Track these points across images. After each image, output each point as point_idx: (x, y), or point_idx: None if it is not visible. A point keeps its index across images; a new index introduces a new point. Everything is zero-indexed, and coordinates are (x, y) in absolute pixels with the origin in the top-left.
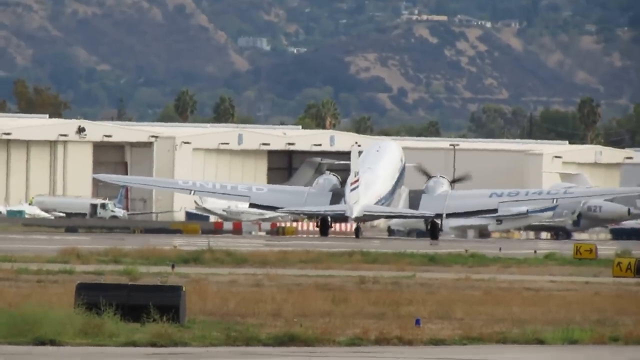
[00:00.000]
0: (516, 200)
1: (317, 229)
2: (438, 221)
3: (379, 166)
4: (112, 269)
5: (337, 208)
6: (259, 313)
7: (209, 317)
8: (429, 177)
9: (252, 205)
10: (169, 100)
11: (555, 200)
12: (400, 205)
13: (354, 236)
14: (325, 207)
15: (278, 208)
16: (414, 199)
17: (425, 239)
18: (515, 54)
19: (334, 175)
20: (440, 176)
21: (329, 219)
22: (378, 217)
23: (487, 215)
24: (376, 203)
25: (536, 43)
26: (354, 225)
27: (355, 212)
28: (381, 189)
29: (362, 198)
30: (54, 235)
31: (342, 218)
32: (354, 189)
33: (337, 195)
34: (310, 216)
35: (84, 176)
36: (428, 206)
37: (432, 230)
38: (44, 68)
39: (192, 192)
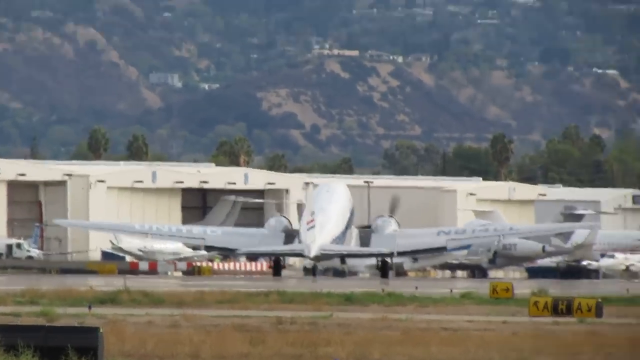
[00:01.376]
0: (463, 238)
1: (270, 269)
2: (388, 260)
3: (331, 207)
4: (29, 310)
5: (295, 247)
6: (176, 355)
7: (127, 359)
8: (390, 215)
9: (207, 248)
10: (82, 138)
11: (501, 237)
12: (352, 244)
13: (310, 275)
14: (282, 247)
15: (233, 250)
16: (364, 238)
17: (335, 278)
18: (426, 89)
19: (284, 217)
20: (389, 215)
21: (282, 260)
22: (334, 256)
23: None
24: (331, 242)
25: (447, 78)
26: (310, 264)
27: (314, 252)
28: (335, 229)
29: (318, 237)
30: None
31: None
32: (310, 228)
33: (290, 236)
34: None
35: None
36: (379, 245)
37: (383, 269)
38: None
39: (149, 235)
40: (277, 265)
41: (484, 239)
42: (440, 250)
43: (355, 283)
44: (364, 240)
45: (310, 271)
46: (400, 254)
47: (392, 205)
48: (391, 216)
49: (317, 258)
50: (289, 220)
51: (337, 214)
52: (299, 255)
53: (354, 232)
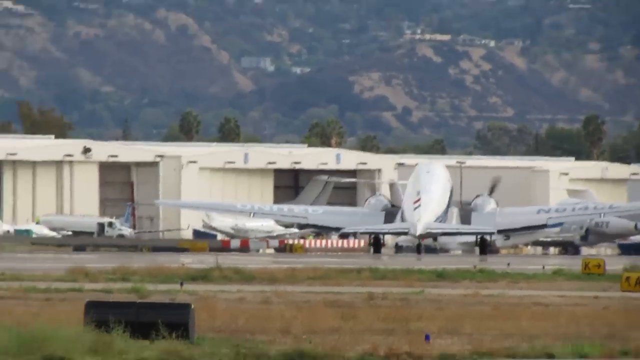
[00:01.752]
0: (563, 216)
1: (371, 247)
2: (487, 238)
3: (433, 187)
4: (121, 287)
5: (402, 226)
6: (268, 330)
7: (218, 334)
8: (477, 195)
9: (308, 226)
10: (173, 121)
11: (602, 215)
12: (454, 222)
13: (416, 252)
14: (389, 226)
15: (337, 228)
16: (464, 217)
17: (426, 254)
18: (519, 72)
19: (383, 196)
20: (487, 194)
21: (382, 238)
22: (438, 234)
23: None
24: (434, 221)
25: (540, 61)
26: (413, 242)
27: (419, 230)
28: (438, 208)
29: (423, 216)
30: (62, 254)
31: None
32: (416, 207)
33: (390, 215)
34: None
35: (91, 195)
36: (479, 223)
37: (482, 246)
38: (47, 89)
39: (252, 214)
40: (377, 243)
41: (584, 217)
42: (541, 227)
43: (447, 260)
44: (465, 219)
45: (409, 249)
46: (501, 231)
47: (492, 185)
48: (490, 195)
49: (422, 236)
50: (389, 200)
51: (439, 193)
52: (404, 233)
53: (455, 211)
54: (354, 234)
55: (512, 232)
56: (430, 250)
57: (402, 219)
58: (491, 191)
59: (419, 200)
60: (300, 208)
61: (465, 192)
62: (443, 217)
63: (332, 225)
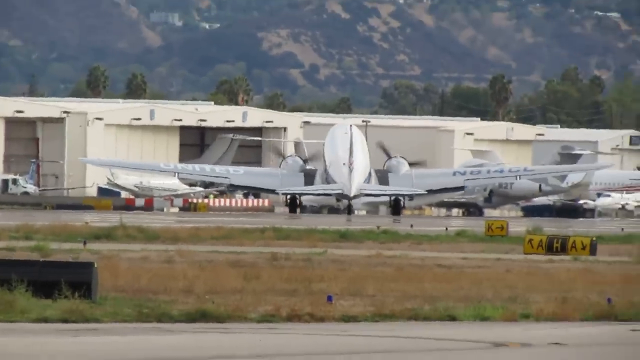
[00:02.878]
0: (478, 178)
1: (286, 207)
2: (401, 199)
3: (359, 148)
4: (23, 245)
5: (333, 187)
6: (170, 290)
7: (120, 293)
8: (389, 156)
9: (231, 187)
10: (81, 76)
11: (518, 178)
12: (372, 183)
13: (346, 213)
14: (324, 187)
15: (260, 189)
16: (382, 178)
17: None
18: (427, 30)
19: (298, 157)
20: (400, 156)
21: (298, 198)
22: (370, 195)
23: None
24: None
25: (448, 19)
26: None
27: (354, 191)
28: (364, 170)
29: (356, 178)
30: None
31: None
32: (351, 169)
33: (308, 176)
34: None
35: None
36: (396, 185)
37: (396, 207)
38: None
39: (175, 174)
40: (293, 203)
41: (500, 179)
42: (459, 190)
43: (353, 221)
44: (382, 180)
45: (313, 209)
46: (430, 192)
47: (384, 150)
48: (402, 157)
49: (354, 197)
50: (304, 160)
51: (363, 155)
52: (341, 194)
53: (372, 172)
54: (249, 194)
55: (432, 194)
56: (333, 210)
57: (327, 181)
58: (388, 154)
59: (352, 162)
60: (222, 168)
61: (370, 151)
62: (368, 178)
63: (255, 185)
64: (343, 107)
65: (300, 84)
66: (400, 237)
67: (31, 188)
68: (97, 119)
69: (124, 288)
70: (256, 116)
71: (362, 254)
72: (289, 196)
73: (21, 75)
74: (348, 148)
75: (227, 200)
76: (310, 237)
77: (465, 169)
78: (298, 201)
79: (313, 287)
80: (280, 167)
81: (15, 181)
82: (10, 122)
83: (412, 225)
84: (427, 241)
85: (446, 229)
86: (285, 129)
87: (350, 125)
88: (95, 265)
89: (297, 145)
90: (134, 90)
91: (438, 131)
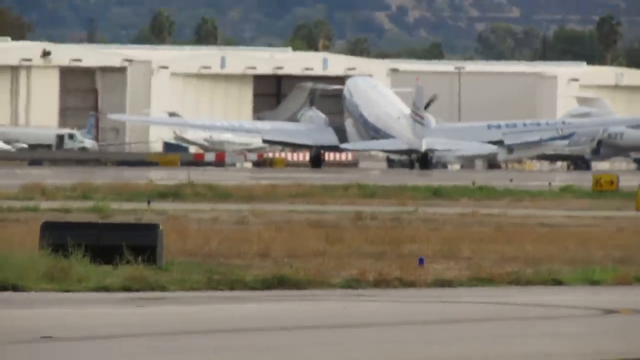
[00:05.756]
0: (515, 132)
1: (309, 162)
2: (429, 154)
3: (396, 100)
4: (81, 206)
5: (399, 142)
6: (244, 254)
7: (188, 258)
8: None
9: (265, 142)
10: (144, 22)
11: (560, 131)
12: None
13: (419, 168)
14: (396, 142)
15: (291, 144)
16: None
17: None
18: None
19: (316, 109)
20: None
21: (322, 152)
22: (441, 150)
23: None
24: None
25: None
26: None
27: (424, 146)
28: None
29: (420, 132)
30: (16, 169)
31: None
32: (417, 121)
33: (339, 131)
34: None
35: (50, 104)
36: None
37: (424, 161)
38: None
39: (204, 129)
40: (317, 159)
41: (534, 134)
42: (498, 143)
43: (444, 176)
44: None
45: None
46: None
47: (429, 101)
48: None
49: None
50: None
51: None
52: (405, 151)
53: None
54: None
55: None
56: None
57: (372, 135)
58: (426, 106)
59: (422, 116)
60: (251, 124)
61: (464, 101)
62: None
63: (288, 141)
64: (434, 52)
65: (386, 28)
66: (499, 194)
67: (89, 143)
68: (162, 67)
69: (193, 252)
70: (338, 63)
71: (457, 212)
72: (313, 151)
73: (78, 20)
74: (392, 101)
75: (306, 155)
76: (399, 194)
77: (499, 122)
78: (322, 157)
79: (402, 249)
80: (299, 119)
81: (72, 136)
82: (66, 71)
83: (511, 180)
84: (529, 198)
85: (549, 184)
86: (370, 76)
87: (365, 79)
88: (161, 227)
89: None
90: (203, 36)
91: (539, 77)
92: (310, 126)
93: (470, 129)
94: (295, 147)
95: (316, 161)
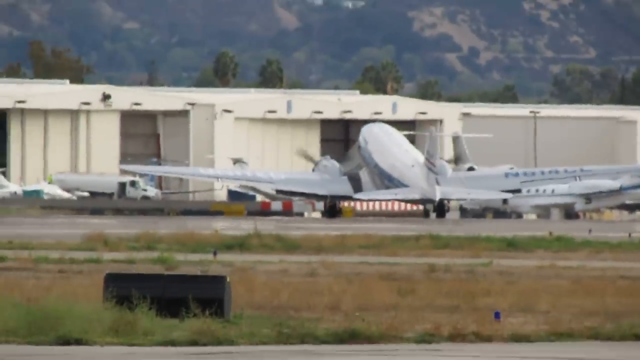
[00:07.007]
0: (532, 180)
1: (323, 212)
2: (446, 202)
3: (410, 148)
4: (145, 257)
5: (412, 192)
6: (314, 306)
7: (257, 311)
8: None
9: (279, 192)
10: (207, 63)
11: (577, 179)
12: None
13: (437, 216)
14: (409, 191)
15: (305, 194)
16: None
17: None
18: (603, 6)
19: (332, 159)
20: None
21: (338, 204)
22: (455, 199)
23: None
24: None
25: None
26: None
27: (439, 195)
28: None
29: (433, 181)
30: (77, 218)
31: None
32: (431, 171)
33: (354, 180)
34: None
35: (111, 150)
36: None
37: (440, 210)
38: (62, 27)
39: (219, 179)
40: (333, 208)
41: (553, 181)
42: (515, 192)
43: (518, 226)
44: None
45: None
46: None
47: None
48: (441, 158)
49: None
50: (340, 164)
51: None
52: (419, 200)
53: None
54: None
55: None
56: (500, 214)
57: (387, 183)
58: (458, 159)
59: (434, 164)
60: (264, 173)
61: (539, 147)
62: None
63: (301, 191)
64: (507, 95)
65: (457, 70)
66: (577, 245)
67: (152, 191)
68: (226, 111)
69: (261, 305)
70: (408, 107)
71: (533, 265)
72: (328, 201)
73: (139, 62)
74: (406, 149)
75: (375, 204)
76: (472, 245)
77: (517, 170)
78: (338, 207)
79: (478, 303)
80: (313, 170)
81: (134, 183)
82: (127, 115)
83: (590, 231)
84: (608, 249)
85: (629, 235)
86: (441, 121)
87: (380, 125)
88: (228, 279)
89: (456, 139)
90: (268, 78)
91: (618, 122)
92: (324, 176)
93: (487, 178)
94: (309, 197)
95: (332, 212)
